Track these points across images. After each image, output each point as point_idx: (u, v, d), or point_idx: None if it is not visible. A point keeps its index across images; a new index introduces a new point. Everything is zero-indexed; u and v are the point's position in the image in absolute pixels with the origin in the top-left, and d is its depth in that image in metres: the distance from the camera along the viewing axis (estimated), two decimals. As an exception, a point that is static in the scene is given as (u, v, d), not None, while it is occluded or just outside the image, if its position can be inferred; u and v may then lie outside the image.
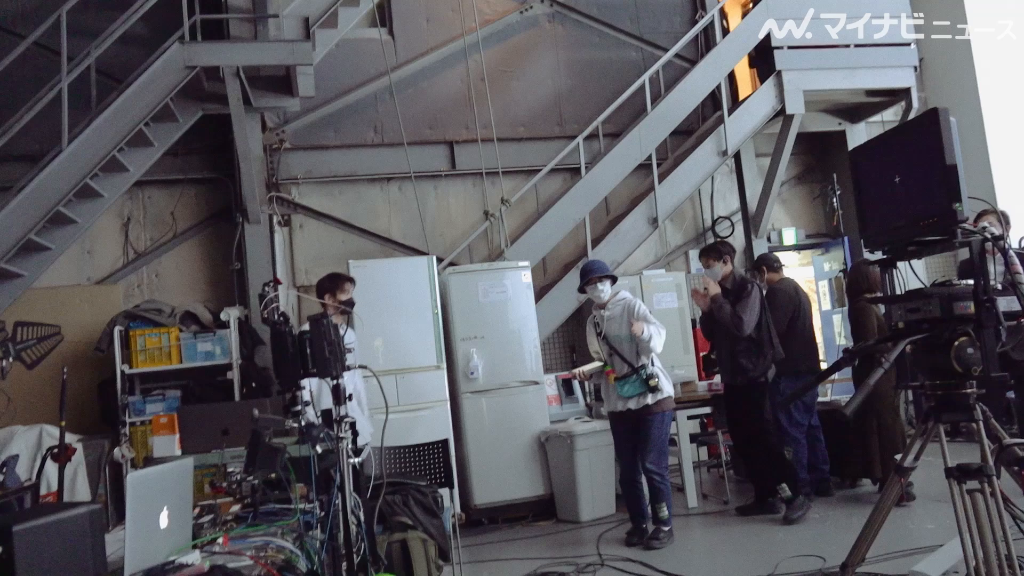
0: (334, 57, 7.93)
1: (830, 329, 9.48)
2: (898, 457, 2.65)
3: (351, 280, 5.31)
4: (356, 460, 3.72)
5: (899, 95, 8.28)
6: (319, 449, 2.84)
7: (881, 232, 2.70)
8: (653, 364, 5.22)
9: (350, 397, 3.13)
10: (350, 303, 5.19)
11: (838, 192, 7.95)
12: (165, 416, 3.92)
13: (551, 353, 7.98)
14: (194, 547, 2.31)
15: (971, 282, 2.46)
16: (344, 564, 2.58)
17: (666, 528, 5.18)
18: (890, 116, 9.14)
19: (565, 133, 8.65)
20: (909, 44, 8.13)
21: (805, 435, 6.06)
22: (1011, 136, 8.65)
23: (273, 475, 3.10)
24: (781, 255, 9.49)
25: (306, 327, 2.90)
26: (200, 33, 6.54)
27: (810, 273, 10.82)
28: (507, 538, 5.83)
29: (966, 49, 9.12)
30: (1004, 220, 5.26)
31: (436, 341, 6.24)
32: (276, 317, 2.74)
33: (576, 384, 7.05)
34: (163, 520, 2.09)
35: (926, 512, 5.27)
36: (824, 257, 9.46)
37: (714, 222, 9.03)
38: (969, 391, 2.47)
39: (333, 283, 5.26)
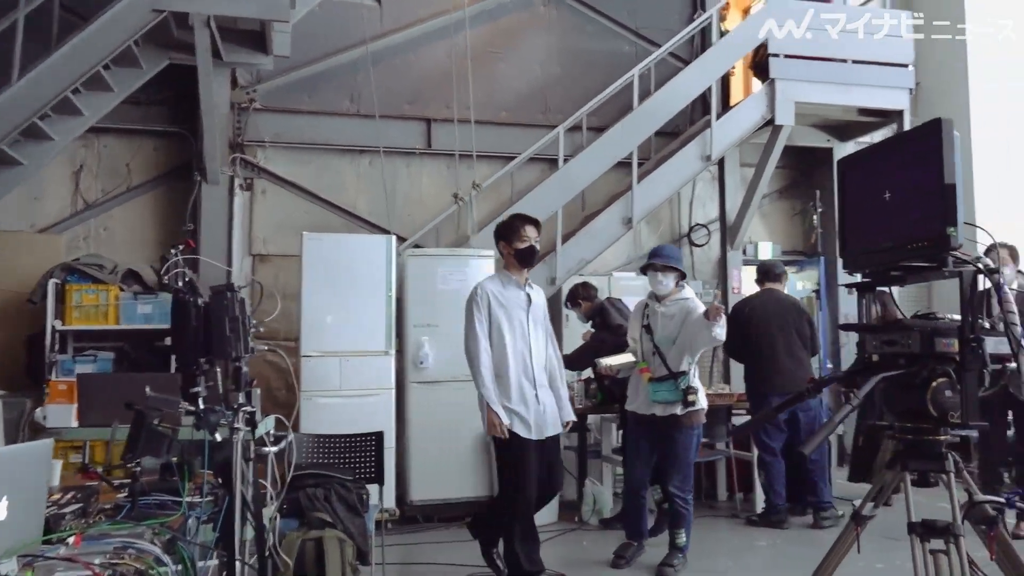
0: (316, 18, 7.54)
1: (800, 349, 9.26)
2: (856, 503, 2.39)
3: (533, 223, 4.32)
4: (274, 449, 3.41)
5: (892, 117, 8.04)
6: (218, 437, 2.54)
7: (864, 253, 2.43)
8: (695, 376, 4.71)
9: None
10: (528, 253, 4.29)
11: (820, 210, 7.73)
12: (64, 382, 3.57)
13: (510, 348, 7.69)
14: (47, 542, 2.00)
15: (958, 317, 2.20)
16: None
17: (681, 555, 4.78)
18: (880, 138, 8.93)
19: (549, 122, 8.34)
20: (907, 66, 7.89)
21: (778, 458, 5.83)
22: (998, 174, 8.42)
23: (175, 459, 2.80)
24: (752, 269, 9.33)
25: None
26: (177, -25, 6.13)
27: (783, 291, 10.63)
28: (441, 539, 5.54)
29: (963, 79, 8.94)
30: (1013, 256, 5.05)
31: (387, 326, 5.93)
32: (179, 284, 2.42)
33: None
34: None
35: (879, 549, 5.05)
36: (799, 276, 9.25)
37: (691, 229, 8.78)
38: (942, 438, 2.21)
39: (508, 227, 4.31)
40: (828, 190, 8.49)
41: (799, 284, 9.18)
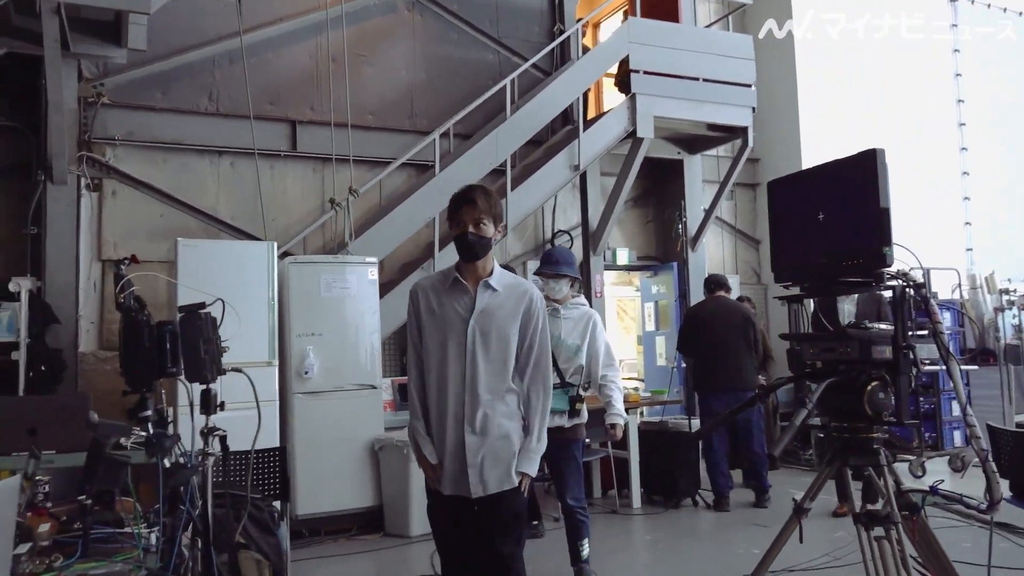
0: (171, 11, 7.15)
1: (652, 350, 9.80)
2: (798, 498, 2.62)
3: (470, 201, 2.99)
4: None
5: (737, 132, 8.69)
6: (166, 463, 2.40)
7: (798, 267, 2.67)
8: (587, 388, 4.62)
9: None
10: (463, 242, 2.99)
11: (685, 219, 8.21)
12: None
13: (385, 357, 7.62)
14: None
15: (887, 326, 2.48)
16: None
17: (588, 566, 4.66)
18: (724, 152, 9.63)
19: (415, 127, 8.37)
20: (750, 86, 8.55)
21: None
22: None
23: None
24: (612, 274, 9.79)
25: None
26: (19, -45, 5.63)
27: (627, 292, 11.24)
28: (332, 553, 5.42)
29: (793, 101, 9.82)
30: None
31: (270, 336, 5.72)
32: (131, 303, 2.26)
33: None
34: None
35: (751, 538, 5.48)
36: (652, 280, 9.77)
37: (554, 235, 9.06)
38: (876, 435, 2.48)
39: (449, 208, 3.08)
40: (680, 201, 9.08)
41: (654, 288, 9.70)
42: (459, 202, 3.06)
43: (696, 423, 7.01)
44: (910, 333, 2.38)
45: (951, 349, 2.37)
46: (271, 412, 5.66)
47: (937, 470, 7.58)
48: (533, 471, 3.03)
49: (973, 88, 10.94)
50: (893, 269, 2.42)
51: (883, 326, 2.51)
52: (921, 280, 2.38)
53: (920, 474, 7.33)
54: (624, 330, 12.91)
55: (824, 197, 2.56)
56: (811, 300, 2.70)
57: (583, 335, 4.61)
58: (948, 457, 7.68)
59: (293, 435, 5.77)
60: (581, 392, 4.62)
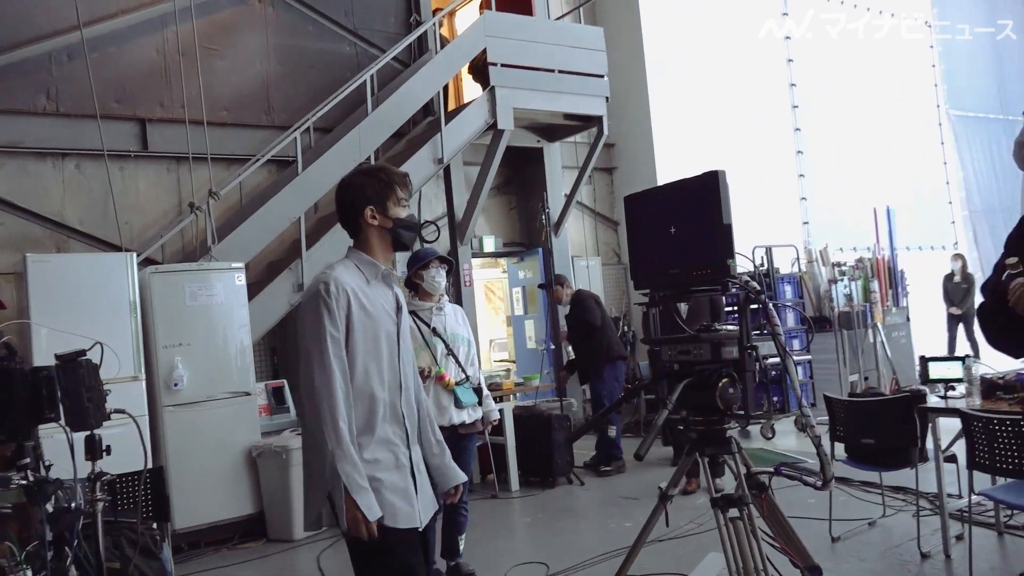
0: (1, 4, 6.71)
1: (521, 333, 10.09)
2: (663, 485, 2.88)
3: (408, 180, 2.67)
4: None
5: (592, 121, 9.03)
6: (49, 508, 2.38)
7: (654, 276, 2.91)
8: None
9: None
10: (414, 227, 2.68)
11: (547, 209, 8.47)
12: None
13: (257, 361, 7.50)
14: None
15: (733, 328, 2.77)
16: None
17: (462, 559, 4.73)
18: (581, 139, 9.98)
19: (273, 122, 8.23)
20: (603, 76, 8.89)
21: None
22: (674, 169, 9.88)
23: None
24: (479, 260, 10.00)
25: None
26: None
27: (494, 274, 11.50)
28: (217, 565, 5.36)
29: (643, 90, 10.28)
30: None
31: (135, 349, 5.54)
32: (2, 351, 2.21)
33: (289, 393, 6.69)
34: None
35: (623, 511, 5.85)
36: (519, 265, 10.04)
37: (421, 226, 9.14)
38: (727, 426, 2.77)
39: (378, 182, 2.59)
40: (542, 187, 9.35)
41: (520, 273, 9.97)
42: (402, 178, 2.64)
43: (569, 402, 7.37)
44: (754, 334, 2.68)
45: (806, 325, 2.67)
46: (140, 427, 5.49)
47: (785, 430, 8.30)
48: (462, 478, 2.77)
49: (804, 71, 11.79)
50: (741, 278, 2.70)
51: (730, 327, 2.79)
52: (759, 288, 2.67)
53: (770, 435, 8.02)
54: (493, 311, 13.18)
55: (675, 212, 2.81)
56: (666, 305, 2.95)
57: (465, 327, 4.71)
58: (794, 418, 8.38)
59: (166, 449, 5.63)
60: (479, 380, 4.72)
